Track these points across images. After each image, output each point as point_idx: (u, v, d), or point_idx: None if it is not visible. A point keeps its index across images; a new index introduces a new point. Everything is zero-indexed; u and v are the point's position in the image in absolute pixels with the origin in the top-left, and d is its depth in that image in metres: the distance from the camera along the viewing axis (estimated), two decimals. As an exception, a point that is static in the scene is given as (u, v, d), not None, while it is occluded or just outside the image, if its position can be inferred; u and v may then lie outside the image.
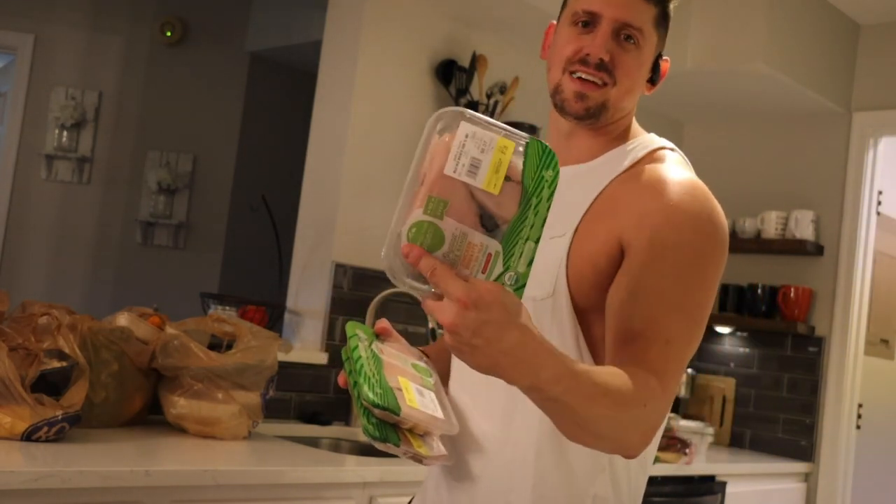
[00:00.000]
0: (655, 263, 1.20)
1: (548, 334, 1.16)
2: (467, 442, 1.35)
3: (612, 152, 1.35)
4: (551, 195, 1.00)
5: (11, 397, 1.89)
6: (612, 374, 1.09)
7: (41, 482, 1.69)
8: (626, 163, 1.33)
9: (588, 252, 1.25)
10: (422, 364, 1.29)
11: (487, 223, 0.99)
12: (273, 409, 2.75)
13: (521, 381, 0.99)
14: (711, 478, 3.30)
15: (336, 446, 2.81)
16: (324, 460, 2.30)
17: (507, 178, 0.99)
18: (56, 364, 2.00)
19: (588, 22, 1.31)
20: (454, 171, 0.98)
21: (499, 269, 0.98)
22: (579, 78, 1.31)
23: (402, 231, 0.98)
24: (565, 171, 1.36)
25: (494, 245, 0.98)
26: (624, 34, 1.30)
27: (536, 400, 1.04)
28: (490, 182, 0.98)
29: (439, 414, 1.17)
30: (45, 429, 1.92)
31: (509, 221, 0.99)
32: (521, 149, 1.00)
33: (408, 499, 1.56)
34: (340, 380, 1.19)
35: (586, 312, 1.26)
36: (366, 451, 2.79)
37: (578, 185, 1.33)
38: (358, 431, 2.91)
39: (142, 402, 2.35)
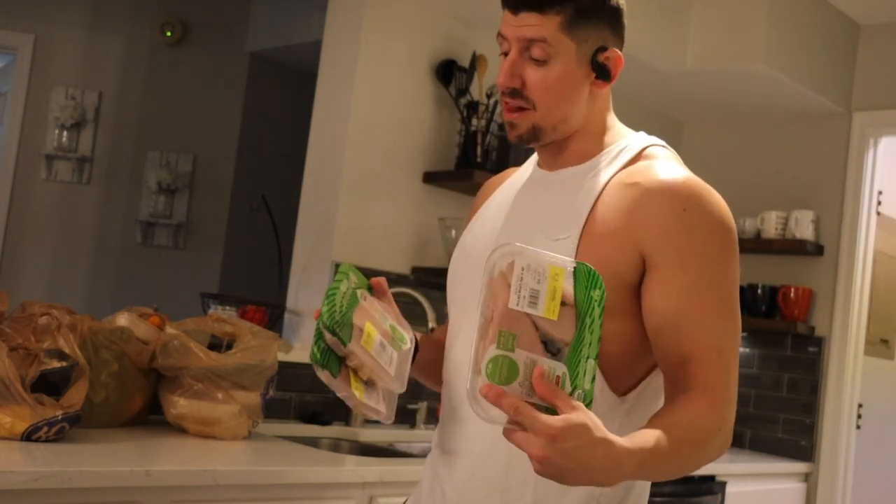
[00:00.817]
0: (684, 277, 1.24)
1: None
2: (466, 441, 1.35)
3: (603, 153, 1.35)
4: (601, 313, 1.08)
5: (11, 397, 1.89)
6: (684, 424, 1.16)
7: (41, 482, 1.69)
8: (619, 163, 1.33)
9: (602, 256, 1.25)
10: (401, 330, 1.32)
11: (551, 348, 1.07)
12: (273, 409, 2.75)
13: (613, 483, 1.08)
14: (711, 478, 3.30)
15: (336, 446, 2.81)
16: (324, 460, 2.31)
17: (563, 303, 1.08)
18: (56, 364, 2.00)
19: (506, 50, 1.32)
20: (517, 304, 1.06)
21: (567, 388, 1.06)
22: (505, 106, 1.33)
23: (480, 369, 1.05)
24: (557, 173, 1.37)
25: (560, 367, 1.06)
26: (528, 54, 1.30)
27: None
28: (549, 309, 1.07)
29: (389, 368, 1.21)
30: (45, 429, 1.92)
31: (570, 343, 1.07)
32: (569, 271, 1.09)
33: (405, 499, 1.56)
34: (315, 312, 1.24)
35: None
36: (366, 451, 2.79)
37: (572, 185, 1.34)
38: (358, 431, 2.91)
39: (142, 402, 2.35)
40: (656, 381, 1.33)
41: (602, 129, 1.38)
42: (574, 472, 1.02)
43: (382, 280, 1.36)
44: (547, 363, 1.05)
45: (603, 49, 1.32)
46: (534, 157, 1.48)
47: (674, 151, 1.38)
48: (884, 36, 3.97)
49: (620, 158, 1.34)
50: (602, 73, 1.33)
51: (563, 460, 1.00)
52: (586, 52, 1.31)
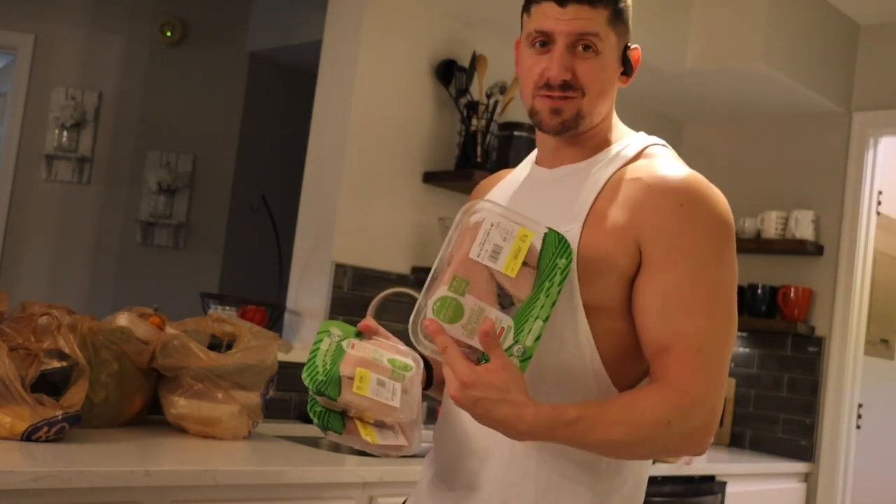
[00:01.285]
0: (673, 272, 1.24)
1: (557, 330, 1.25)
2: (467, 445, 1.35)
3: (604, 152, 1.37)
4: (562, 280, 1.15)
5: (11, 397, 1.89)
6: (625, 406, 1.20)
7: (41, 482, 1.69)
8: (620, 161, 1.34)
9: (603, 248, 1.26)
10: (402, 359, 1.32)
11: (504, 301, 1.16)
12: (273, 409, 2.75)
13: (517, 440, 1.20)
14: (711, 478, 3.30)
15: (336, 446, 2.81)
16: (324, 460, 2.30)
17: (525, 264, 1.16)
18: (56, 364, 2.00)
19: (545, 42, 1.33)
20: (477, 256, 1.15)
21: (509, 341, 1.14)
22: (549, 97, 1.34)
23: (427, 304, 1.15)
24: (558, 170, 1.38)
25: (507, 320, 1.14)
26: (581, 45, 1.31)
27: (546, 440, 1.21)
28: (509, 266, 1.15)
29: (393, 402, 1.21)
30: (45, 429, 1.92)
31: (523, 301, 1.15)
32: (539, 237, 1.17)
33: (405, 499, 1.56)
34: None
35: (593, 308, 1.27)
36: (365, 451, 2.79)
37: (573, 180, 1.35)
38: (358, 431, 2.91)
39: (142, 402, 2.35)
40: None
41: (607, 127, 1.40)
42: (478, 416, 1.16)
43: (369, 321, 1.35)
44: (494, 314, 1.14)
45: (628, 46, 1.37)
46: (529, 158, 1.49)
47: (673, 151, 1.39)
48: (884, 36, 3.97)
49: (622, 156, 1.35)
50: (628, 67, 1.38)
51: (469, 404, 1.15)
52: (620, 47, 1.35)
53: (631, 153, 1.36)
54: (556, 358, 1.26)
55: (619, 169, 1.33)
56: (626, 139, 1.39)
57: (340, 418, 1.23)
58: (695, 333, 1.22)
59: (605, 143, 1.38)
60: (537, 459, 1.29)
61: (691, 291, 1.24)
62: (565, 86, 1.32)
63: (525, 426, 1.15)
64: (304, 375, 1.22)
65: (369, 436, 1.23)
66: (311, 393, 1.21)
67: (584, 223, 1.28)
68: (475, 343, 1.13)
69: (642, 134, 1.42)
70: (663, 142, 1.40)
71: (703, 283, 1.24)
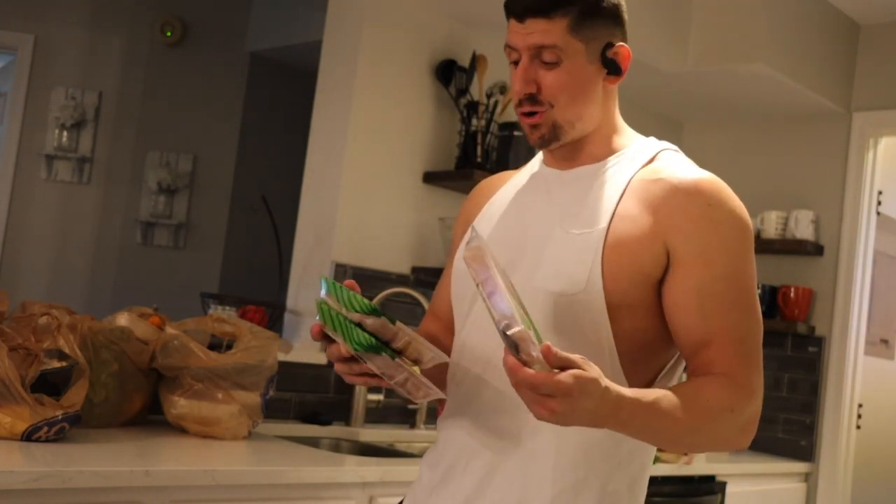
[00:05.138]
0: (708, 271, 1.27)
1: (577, 330, 1.26)
2: (482, 437, 1.34)
3: (617, 154, 1.38)
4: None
5: (11, 397, 1.89)
6: (690, 394, 1.21)
7: (41, 482, 1.69)
8: (638, 163, 1.35)
9: (629, 250, 1.27)
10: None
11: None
12: (273, 409, 2.75)
13: (599, 427, 1.16)
14: (711, 478, 3.30)
15: (336, 446, 2.81)
16: (324, 460, 2.30)
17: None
18: (56, 364, 2.00)
19: (516, 59, 1.34)
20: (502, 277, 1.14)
21: (537, 342, 1.10)
22: (523, 114, 1.35)
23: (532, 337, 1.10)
24: (572, 171, 1.39)
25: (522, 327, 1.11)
26: (540, 59, 1.32)
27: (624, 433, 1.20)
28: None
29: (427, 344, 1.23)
30: (45, 429, 1.92)
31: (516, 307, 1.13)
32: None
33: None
34: (314, 329, 1.23)
35: (616, 307, 1.28)
36: (366, 451, 2.79)
37: (589, 181, 1.36)
38: (358, 431, 2.91)
39: (142, 402, 2.35)
40: (671, 378, 1.37)
41: (613, 130, 1.41)
42: (574, 419, 1.11)
43: (353, 283, 1.34)
44: (524, 328, 1.10)
45: (611, 45, 1.35)
46: (536, 159, 1.49)
47: (684, 155, 1.41)
48: (884, 36, 3.97)
49: (638, 159, 1.36)
50: (612, 68, 1.36)
51: (570, 410, 1.09)
52: (595, 50, 1.34)
53: (646, 157, 1.37)
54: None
55: (637, 171, 1.34)
56: (638, 143, 1.40)
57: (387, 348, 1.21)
58: (735, 327, 1.26)
59: (610, 146, 1.39)
60: (556, 456, 1.29)
61: (727, 288, 1.27)
62: (532, 100, 1.33)
63: (622, 415, 1.14)
64: (359, 299, 1.19)
65: (416, 368, 1.22)
66: (357, 320, 1.19)
67: (609, 225, 1.29)
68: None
69: (652, 139, 1.43)
70: (675, 147, 1.42)
71: (735, 279, 1.28)
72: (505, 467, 1.31)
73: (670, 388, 1.23)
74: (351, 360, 1.24)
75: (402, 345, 1.23)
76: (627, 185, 1.32)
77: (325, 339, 1.24)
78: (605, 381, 1.11)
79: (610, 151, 1.38)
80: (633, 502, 1.36)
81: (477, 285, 1.12)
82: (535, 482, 1.29)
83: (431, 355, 1.25)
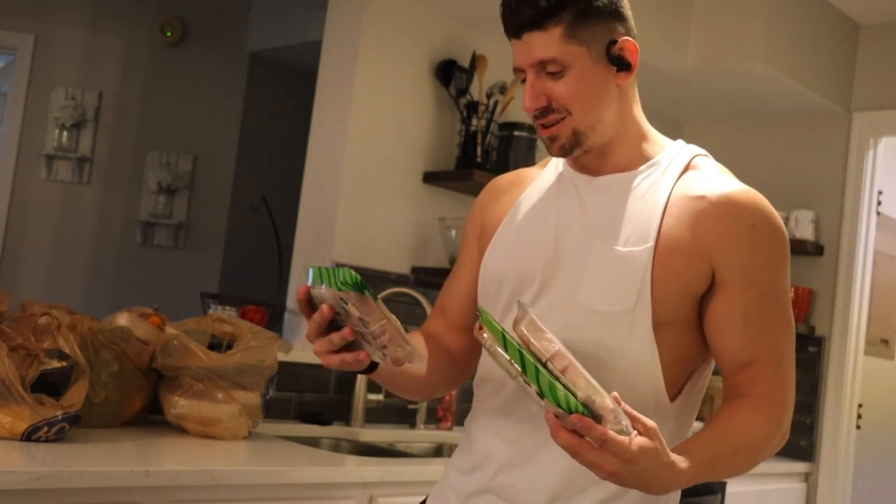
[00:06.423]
0: (750, 290, 1.29)
1: (620, 348, 1.27)
2: (523, 448, 1.34)
3: (649, 163, 1.37)
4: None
5: (11, 397, 1.89)
6: (740, 433, 1.25)
7: (41, 482, 1.69)
8: (673, 173, 1.35)
9: (677, 271, 1.28)
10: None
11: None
12: (273, 409, 2.75)
13: (664, 493, 1.22)
14: (711, 478, 3.30)
15: (336, 446, 2.81)
16: (324, 460, 2.30)
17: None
18: (56, 364, 2.00)
19: (524, 78, 1.34)
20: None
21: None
22: (540, 126, 1.35)
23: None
24: (603, 179, 1.37)
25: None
26: (545, 72, 1.31)
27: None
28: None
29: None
30: (45, 429, 1.92)
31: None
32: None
33: (410, 499, 1.55)
34: (300, 291, 1.20)
35: (661, 325, 1.28)
36: (366, 451, 2.79)
37: (623, 191, 1.35)
38: (358, 431, 2.91)
39: (142, 402, 2.35)
40: (699, 382, 1.38)
41: (640, 134, 1.40)
42: (636, 485, 1.13)
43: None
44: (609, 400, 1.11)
45: (614, 42, 1.33)
46: (556, 162, 1.46)
47: (714, 160, 1.41)
48: (884, 36, 3.97)
49: (673, 168, 1.36)
50: (621, 64, 1.34)
51: (631, 477, 1.11)
52: (599, 50, 1.32)
53: (680, 166, 1.36)
54: (621, 376, 1.27)
55: (674, 183, 1.33)
56: (669, 150, 1.39)
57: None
58: (776, 347, 1.30)
59: (640, 151, 1.38)
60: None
61: (767, 306, 1.30)
62: (545, 111, 1.32)
63: (682, 481, 1.18)
64: (337, 272, 1.16)
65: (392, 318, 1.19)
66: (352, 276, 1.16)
67: (657, 244, 1.29)
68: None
69: (681, 142, 1.42)
70: (705, 152, 1.41)
71: (774, 295, 1.31)
72: (547, 477, 1.31)
73: (719, 425, 1.25)
74: (331, 329, 1.19)
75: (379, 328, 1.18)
76: (668, 201, 1.31)
77: (310, 305, 1.19)
78: (669, 455, 1.14)
79: (641, 159, 1.37)
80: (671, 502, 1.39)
81: (545, 363, 1.11)
82: (580, 490, 1.30)
83: (406, 349, 1.20)
